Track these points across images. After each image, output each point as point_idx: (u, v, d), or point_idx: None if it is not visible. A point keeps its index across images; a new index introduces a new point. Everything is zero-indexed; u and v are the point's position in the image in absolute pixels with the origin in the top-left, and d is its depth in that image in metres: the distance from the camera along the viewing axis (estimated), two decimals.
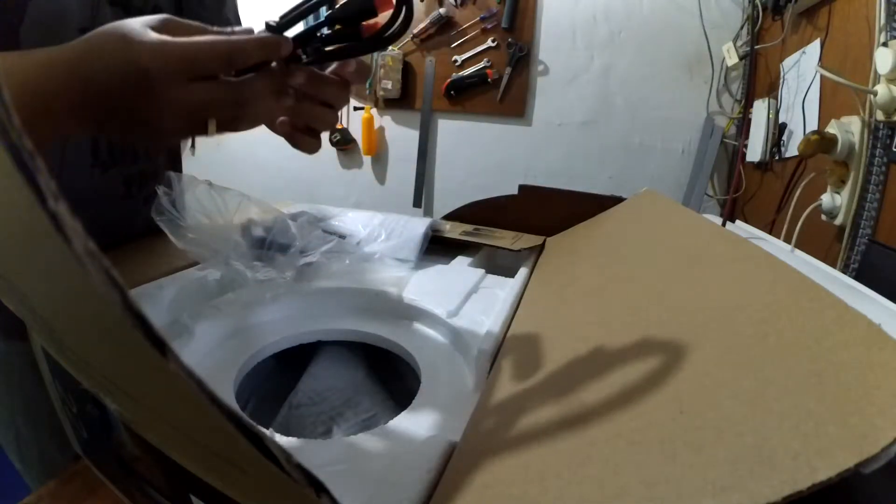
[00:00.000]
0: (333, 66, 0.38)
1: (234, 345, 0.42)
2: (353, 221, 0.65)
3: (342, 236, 0.61)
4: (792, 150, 1.03)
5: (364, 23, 0.34)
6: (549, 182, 0.78)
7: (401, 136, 1.71)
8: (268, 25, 0.34)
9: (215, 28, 0.35)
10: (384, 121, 1.72)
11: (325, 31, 0.35)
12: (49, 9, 0.44)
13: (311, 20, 0.35)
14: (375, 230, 0.63)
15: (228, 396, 0.36)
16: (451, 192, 1.70)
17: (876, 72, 0.72)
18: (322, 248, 0.51)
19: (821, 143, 0.78)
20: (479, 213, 0.75)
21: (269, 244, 0.50)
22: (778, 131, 1.10)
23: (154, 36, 0.31)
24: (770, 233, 0.96)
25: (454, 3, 1.53)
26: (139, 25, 0.31)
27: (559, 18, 1.50)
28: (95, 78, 0.31)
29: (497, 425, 0.29)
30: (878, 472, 0.15)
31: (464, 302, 0.48)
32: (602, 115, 1.53)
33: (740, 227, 1.04)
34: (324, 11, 0.34)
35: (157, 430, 0.22)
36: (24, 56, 0.31)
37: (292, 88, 0.37)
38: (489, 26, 1.52)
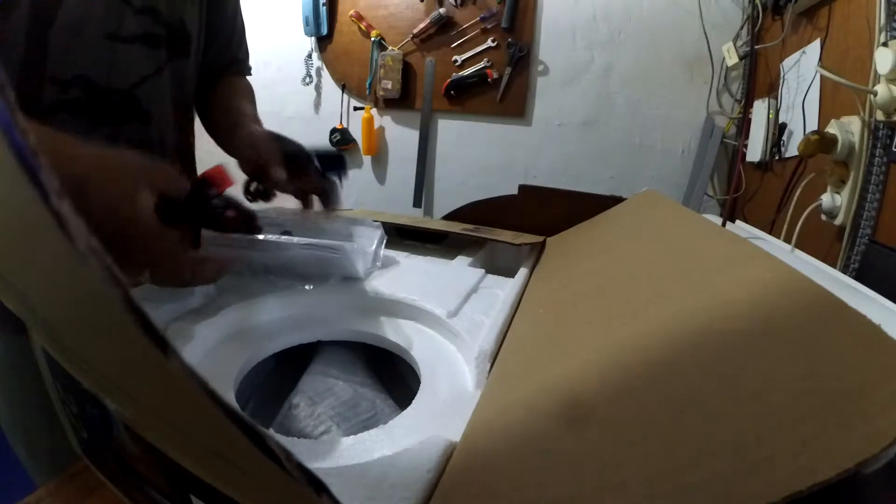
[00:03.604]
0: None
1: (234, 345, 0.42)
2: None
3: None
4: (792, 150, 1.03)
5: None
6: (549, 182, 0.78)
7: (401, 136, 1.71)
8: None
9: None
10: (384, 121, 1.72)
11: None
12: (77, 15, 0.46)
13: None
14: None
15: (228, 396, 0.36)
16: (451, 192, 1.70)
17: (876, 72, 0.72)
18: None
19: (821, 143, 0.78)
20: (479, 213, 0.75)
21: None
22: (778, 131, 1.10)
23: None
24: (770, 233, 0.96)
25: (454, 3, 1.53)
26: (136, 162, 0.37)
27: (559, 18, 1.50)
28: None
29: (497, 425, 0.29)
30: (879, 472, 0.15)
31: (464, 302, 0.48)
32: (602, 115, 1.53)
33: (740, 227, 1.04)
34: None
35: (157, 430, 0.22)
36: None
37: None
38: (489, 26, 1.52)
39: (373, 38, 1.61)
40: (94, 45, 0.49)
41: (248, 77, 0.74)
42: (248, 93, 0.71)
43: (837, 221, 0.80)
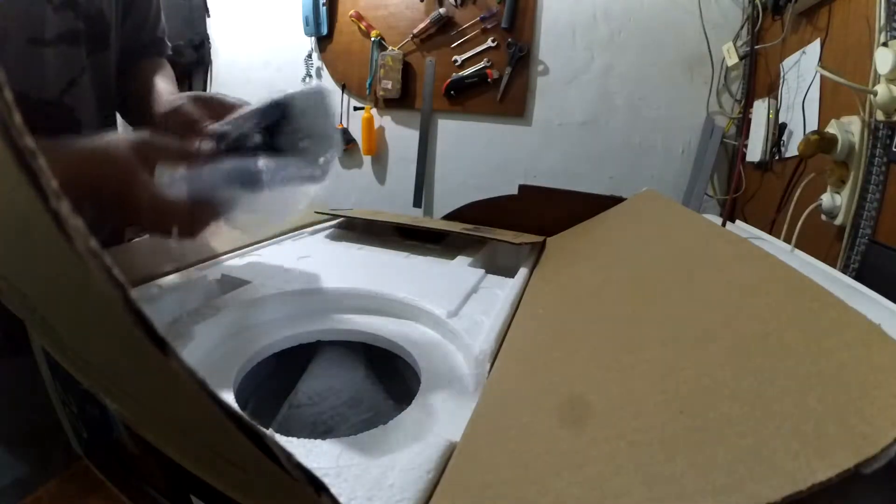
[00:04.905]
0: None
1: (234, 345, 0.42)
2: None
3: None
4: (792, 150, 1.03)
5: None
6: (549, 182, 0.78)
7: (401, 136, 1.71)
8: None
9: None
10: (384, 121, 1.72)
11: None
12: None
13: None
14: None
15: (228, 396, 0.36)
16: (451, 192, 1.70)
17: (876, 72, 0.72)
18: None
19: (821, 143, 0.78)
20: (479, 213, 0.75)
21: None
22: (778, 131, 1.10)
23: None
24: (770, 233, 0.96)
25: (454, 3, 1.53)
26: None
27: (559, 18, 1.50)
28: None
29: (497, 425, 0.29)
30: (879, 472, 0.15)
31: (464, 302, 0.48)
32: (602, 115, 1.53)
33: (740, 227, 1.04)
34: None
35: (157, 430, 0.22)
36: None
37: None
38: (489, 26, 1.52)
39: (373, 38, 1.61)
40: (19, 54, 0.45)
41: (167, 55, 0.67)
42: (168, 75, 0.64)
43: (837, 221, 0.80)
